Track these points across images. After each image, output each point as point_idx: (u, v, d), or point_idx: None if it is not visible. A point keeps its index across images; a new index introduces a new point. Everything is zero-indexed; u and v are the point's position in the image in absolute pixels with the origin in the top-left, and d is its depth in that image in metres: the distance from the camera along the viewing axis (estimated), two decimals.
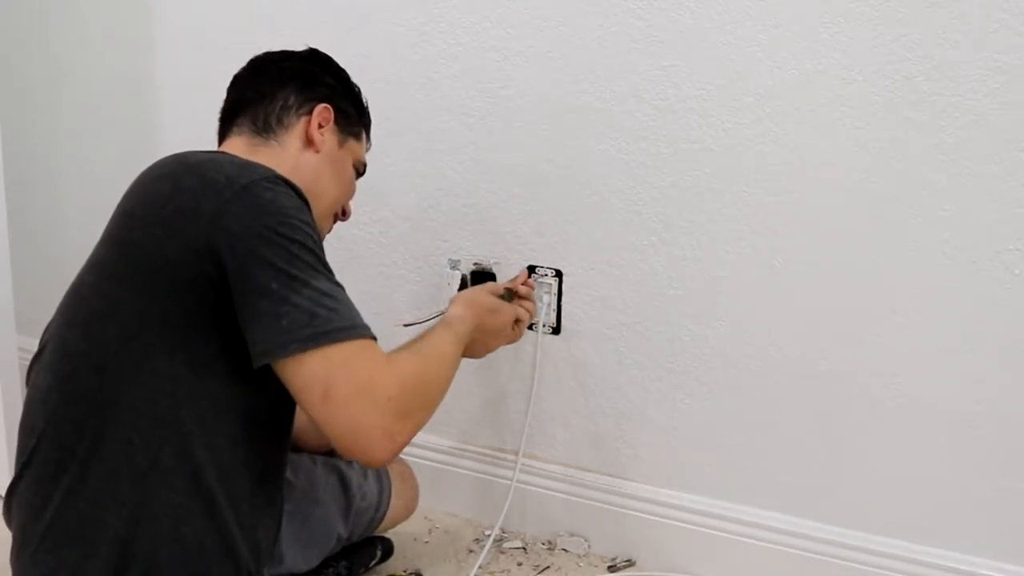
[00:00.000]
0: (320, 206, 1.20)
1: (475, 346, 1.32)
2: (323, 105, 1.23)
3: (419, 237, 1.66)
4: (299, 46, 1.31)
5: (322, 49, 1.31)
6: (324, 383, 0.98)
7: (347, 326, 1.00)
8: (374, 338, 1.03)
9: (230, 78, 1.26)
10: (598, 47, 1.44)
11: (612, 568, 1.58)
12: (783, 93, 1.34)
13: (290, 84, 1.23)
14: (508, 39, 1.50)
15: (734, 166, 1.39)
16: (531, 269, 1.54)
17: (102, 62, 1.93)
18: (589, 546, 1.62)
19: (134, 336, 1.02)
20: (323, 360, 0.98)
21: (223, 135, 1.24)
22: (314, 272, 1.01)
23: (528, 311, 1.47)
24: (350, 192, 1.33)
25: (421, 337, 1.20)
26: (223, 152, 1.17)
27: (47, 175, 2.01)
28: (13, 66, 1.98)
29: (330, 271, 1.04)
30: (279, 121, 1.22)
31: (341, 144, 1.27)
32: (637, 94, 1.43)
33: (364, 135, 1.33)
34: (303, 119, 1.22)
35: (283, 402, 1.07)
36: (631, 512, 1.58)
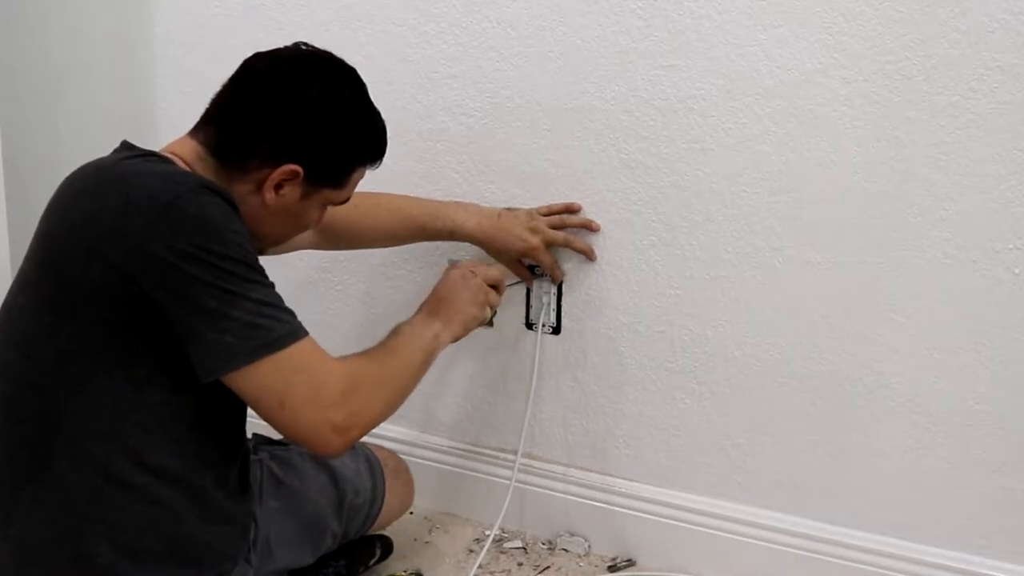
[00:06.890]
0: (258, 246, 1.11)
1: (450, 315, 1.28)
2: (291, 167, 1.10)
3: None
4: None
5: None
6: (279, 394, 1.03)
7: (287, 332, 1.03)
8: (307, 333, 1.06)
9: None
10: (598, 47, 1.44)
11: (612, 568, 1.58)
12: (783, 93, 1.34)
13: (268, 131, 1.10)
14: (508, 39, 1.50)
15: (734, 166, 1.39)
16: (532, 268, 1.54)
17: (102, 62, 1.93)
18: (589, 546, 1.62)
19: (71, 359, 1.03)
20: (273, 370, 1.02)
21: (195, 126, 1.16)
22: (248, 284, 1.02)
23: (546, 264, 1.48)
24: (307, 228, 1.23)
25: (385, 339, 1.22)
26: (150, 157, 1.10)
27: (47, 175, 2.01)
28: (13, 66, 1.98)
29: (263, 274, 1.05)
30: (240, 165, 1.11)
31: (305, 196, 1.14)
32: (637, 94, 1.43)
33: (353, 176, 1.19)
34: (264, 170, 1.11)
35: (231, 399, 1.06)
36: (631, 512, 1.58)
